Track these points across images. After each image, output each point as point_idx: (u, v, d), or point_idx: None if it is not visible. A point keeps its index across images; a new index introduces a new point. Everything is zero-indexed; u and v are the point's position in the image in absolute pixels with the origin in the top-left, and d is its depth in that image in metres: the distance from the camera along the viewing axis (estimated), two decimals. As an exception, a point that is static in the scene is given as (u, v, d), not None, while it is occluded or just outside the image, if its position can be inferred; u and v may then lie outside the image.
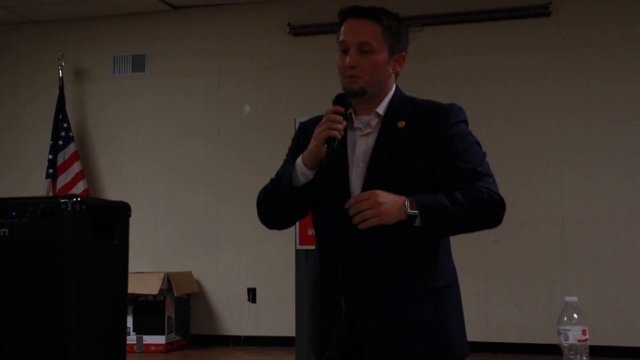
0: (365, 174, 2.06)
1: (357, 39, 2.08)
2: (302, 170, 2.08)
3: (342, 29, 2.12)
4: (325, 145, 2.02)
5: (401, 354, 2.01)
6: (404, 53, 2.17)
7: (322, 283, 2.15)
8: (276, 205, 2.18)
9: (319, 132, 2.03)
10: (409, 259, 2.04)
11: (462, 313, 2.15)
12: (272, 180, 2.21)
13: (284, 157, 2.29)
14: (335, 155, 2.06)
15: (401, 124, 2.10)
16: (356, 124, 2.15)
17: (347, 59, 2.08)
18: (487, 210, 2.03)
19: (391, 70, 2.15)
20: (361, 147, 2.11)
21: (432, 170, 2.06)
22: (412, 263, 2.04)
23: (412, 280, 2.03)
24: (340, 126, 2.02)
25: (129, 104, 7.48)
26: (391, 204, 1.96)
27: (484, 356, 6.14)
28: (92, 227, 2.67)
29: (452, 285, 2.12)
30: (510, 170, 6.46)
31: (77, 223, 2.60)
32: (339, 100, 2.09)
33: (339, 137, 2.02)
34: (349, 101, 2.10)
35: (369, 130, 2.13)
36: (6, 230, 2.65)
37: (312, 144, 2.05)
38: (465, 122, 2.16)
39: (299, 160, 2.10)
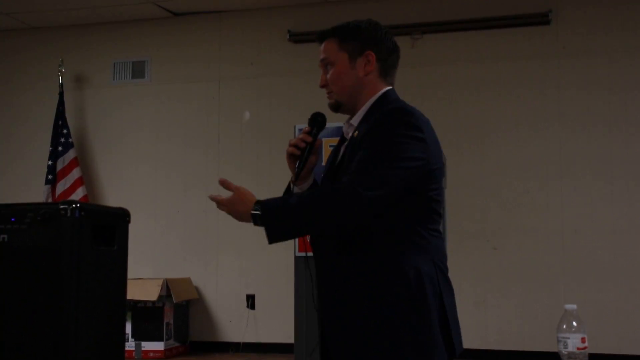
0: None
1: (319, 58, 2.23)
2: (293, 185, 2.26)
3: None
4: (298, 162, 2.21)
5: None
6: (369, 51, 2.18)
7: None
8: None
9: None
10: (357, 265, 2.05)
11: (422, 320, 2.01)
12: None
13: (284, 164, 2.36)
14: (329, 165, 2.24)
15: (356, 133, 2.14)
16: (345, 135, 2.24)
17: None
18: (324, 205, 1.98)
19: (361, 72, 2.18)
20: (340, 157, 2.21)
21: None
22: (359, 269, 2.04)
23: (356, 285, 2.04)
24: (299, 142, 2.19)
25: (129, 111, 7.49)
26: (238, 213, 2.06)
27: (483, 364, 6.13)
28: (91, 233, 2.67)
29: (404, 290, 2.01)
30: (510, 177, 6.46)
31: (77, 229, 2.60)
32: (310, 119, 2.25)
33: (297, 152, 2.19)
34: (319, 119, 2.23)
35: (346, 141, 2.22)
36: (5, 236, 2.65)
37: None
38: (402, 123, 2.04)
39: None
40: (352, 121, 2.19)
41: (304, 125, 2.27)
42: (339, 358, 2.07)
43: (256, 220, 2.00)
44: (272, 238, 2.00)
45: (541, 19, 6.51)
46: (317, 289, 2.17)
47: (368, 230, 2.04)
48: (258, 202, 2.01)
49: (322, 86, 2.23)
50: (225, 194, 2.12)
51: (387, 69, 2.22)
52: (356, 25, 2.21)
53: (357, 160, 2.02)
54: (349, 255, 2.06)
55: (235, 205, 2.05)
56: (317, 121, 2.22)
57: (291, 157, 2.21)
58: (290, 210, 1.99)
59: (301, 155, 2.19)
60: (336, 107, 2.22)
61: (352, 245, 2.06)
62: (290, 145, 2.20)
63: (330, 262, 2.10)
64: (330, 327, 2.10)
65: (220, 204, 2.09)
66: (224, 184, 2.10)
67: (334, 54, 2.19)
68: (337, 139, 2.30)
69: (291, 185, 2.26)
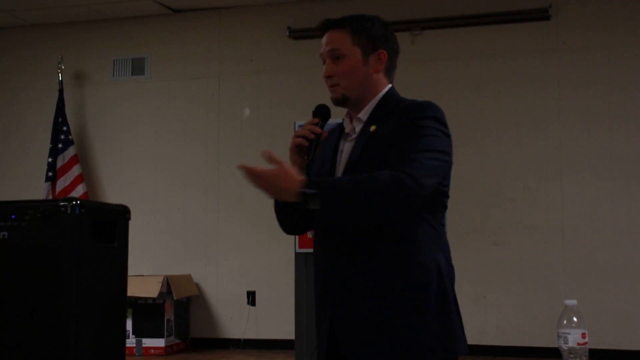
0: None
1: (328, 48, 2.15)
2: None
3: (321, 43, 2.20)
4: (306, 154, 2.10)
5: (376, 355, 2.00)
6: (382, 50, 2.17)
7: (314, 288, 2.20)
8: (278, 214, 2.25)
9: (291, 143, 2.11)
10: (381, 258, 2.03)
11: (449, 313, 2.06)
12: None
13: (284, 160, 2.30)
14: (327, 161, 2.13)
15: (373, 127, 2.11)
16: (347, 129, 2.19)
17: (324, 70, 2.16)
18: (386, 192, 1.93)
19: (371, 69, 2.16)
20: (345, 152, 2.15)
21: None
22: (385, 262, 2.03)
23: (384, 279, 2.02)
24: (307, 133, 2.08)
25: (128, 108, 7.48)
26: (279, 188, 1.92)
27: (483, 359, 6.14)
28: (91, 230, 2.67)
29: (431, 284, 2.03)
30: (511, 174, 6.46)
31: (77, 226, 2.60)
32: (315, 111, 2.16)
33: (305, 144, 2.07)
34: (324, 111, 2.15)
35: (354, 136, 2.16)
36: (6, 233, 2.65)
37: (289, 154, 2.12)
38: (435, 118, 2.07)
39: None
40: (360, 116, 2.16)
41: (304, 122, 2.25)
42: (361, 357, 2.01)
43: (307, 201, 1.89)
44: (327, 220, 1.96)
45: (541, 15, 6.50)
46: (325, 287, 2.10)
47: (392, 224, 2.03)
48: (310, 182, 1.92)
49: (328, 77, 2.15)
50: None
51: (391, 69, 2.23)
52: (369, 20, 2.18)
53: (401, 151, 1.99)
54: (372, 251, 2.03)
55: (278, 180, 1.91)
56: (322, 112, 2.15)
57: (298, 148, 2.10)
58: (352, 193, 1.91)
59: (309, 147, 2.09)
60: (341, 102, 2.15)
61: (376, 240, 2.03)
62: (298, 136, 2.09)
63: (350, 259, 2.05)
64: (349, 326, 2.03)
65: (257, 175, 1.91)
66: (269, 154, 1.94)
67: (347, 46, 2.13)
68: None
69: None
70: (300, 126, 2.23)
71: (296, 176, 1.92)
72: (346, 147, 2.16)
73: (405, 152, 1.98)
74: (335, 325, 2.06)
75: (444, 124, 2.08)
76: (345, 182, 1.96)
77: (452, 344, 2.04)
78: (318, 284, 2.15)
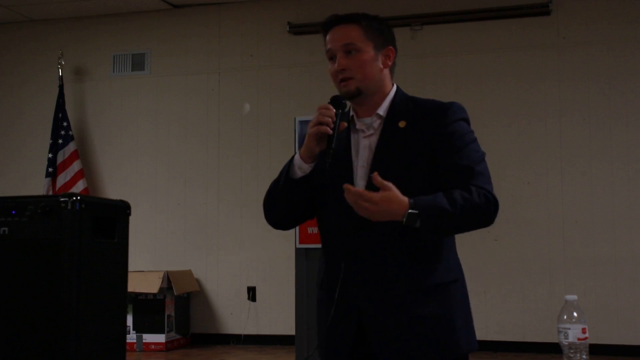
0: (369, 174, 2.08)
1: (341, 42, 2.14)
2: (300, 165, 2.12)
3: (327, 39, 2.18)
4: (325, 141, 2.07)
5: (408, 350, 2.03)
6: (391, 47, 2.19)
7: (327, 283, 2.17)
8: (277, 201, 2.20)
9: (309, 128, 2.07)
10: (413, 255, 2.06)
11: (469, 308, 2.17)
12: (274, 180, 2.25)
13: (284, 156, 2.31)
14: (339, 157, 2.09)
15: (402, 123, 2.12)
16: (359, 126, 2.18)
17: (336, 64, 2.14)
18: (482, 212, 2.07)
19: (381, 65, 2.17)
20: (364, 148, 2.14)
21: (434, 167, 2.08)
22: (416, 259, 2.07)
23: (416, 276, 2.06)
24: (329, 120, 2.04)
25: (128, 103, 7.48)
26: (390, 212, 1.94)
27: (484, 355, 6.14)
28: (92, 226, 2.67)
29: (458, 280, 2.15)
30: (511, 169, 6.46)
31: (77, 222, 2.60)
32: (332, 101, 2.12)
33: (329, 132, 2.04)
34: (343, 102, 2.12)
35: (371, 131, 2.16)
36: (6, 229, 2.65)
37: (306, 139, 2.10)
38: (466, 120, 2.17)
39: (297, 155, 2.14)
40: (379, 111, 2.15)
41: (305, 118, 2.24)
42: (394, 351, 2.03)
43: (413, 221, 1.94)
44: (426, 235, 2.01)
45: (541, 10, 6.50)
46: (353, 281, 2.07)
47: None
48: (415, 203, 1.95)
49: (341, 70, 2.12)
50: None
51: (393, 68, 2.24)
52: (377, 18, 2.20)
53: (455, 159, 2.06)
54: (406, 249, 2.06)
55: (390, 204, 1.93)
56: (341, 103, 2.11)
57: (320, 136, 2.06)
58: (447, 213, 1.99)
59: (331, 136, 2.05)
60: (355, 95, 2.13)
61: (409, 238, 2.05)
62: (321, 122, 2.04)
63: (384, 256, 2.06)
64: (381, 320, 2.04)
65: (369, 199, 1.92)
66: (377, 179, 1.95)
67: (361, 41, 2.13)
68: None
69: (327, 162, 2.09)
70: (300, 122, 2.21)
71: (403, 198, 1.95)
72: (364, 142, 2.15)
73: (469, 163, 2.08)
74: (366, 320, 2.06)
75: (470, 123, 2.18)
76: (445, 203, 1.99)
77: (474, 338, 2.15)
78: (335, 276, 2.10)
